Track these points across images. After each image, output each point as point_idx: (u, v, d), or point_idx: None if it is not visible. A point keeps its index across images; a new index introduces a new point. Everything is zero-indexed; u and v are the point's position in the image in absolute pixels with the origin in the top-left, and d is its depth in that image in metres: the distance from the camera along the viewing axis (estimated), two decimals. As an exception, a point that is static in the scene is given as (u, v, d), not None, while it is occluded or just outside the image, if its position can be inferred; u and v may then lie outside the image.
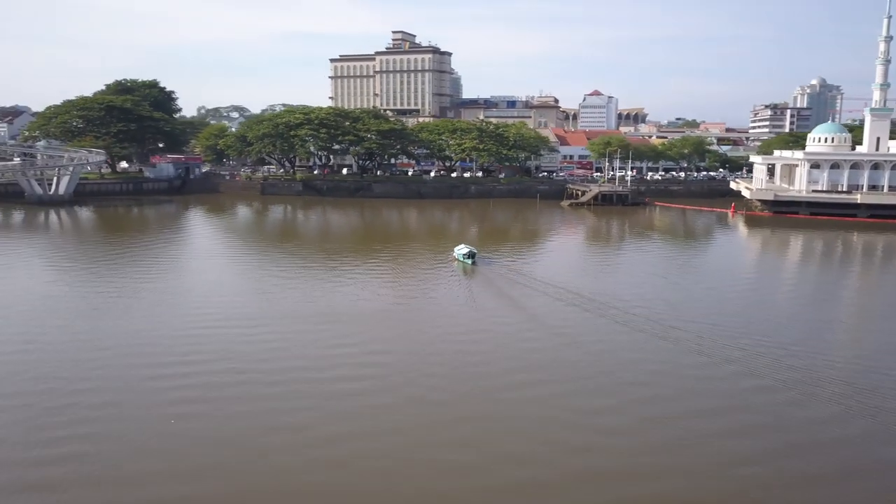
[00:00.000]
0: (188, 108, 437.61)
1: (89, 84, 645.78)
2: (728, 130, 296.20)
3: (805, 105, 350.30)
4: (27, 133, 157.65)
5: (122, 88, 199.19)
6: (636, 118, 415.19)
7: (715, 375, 40.08)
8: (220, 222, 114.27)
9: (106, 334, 46.42)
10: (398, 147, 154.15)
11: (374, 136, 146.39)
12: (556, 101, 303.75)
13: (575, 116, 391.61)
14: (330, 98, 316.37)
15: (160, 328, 47.90)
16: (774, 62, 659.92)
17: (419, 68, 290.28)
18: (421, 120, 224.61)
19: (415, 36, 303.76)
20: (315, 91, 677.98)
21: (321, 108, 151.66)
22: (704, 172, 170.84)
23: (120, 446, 30.24)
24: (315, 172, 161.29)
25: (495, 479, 28.16)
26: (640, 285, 64.61)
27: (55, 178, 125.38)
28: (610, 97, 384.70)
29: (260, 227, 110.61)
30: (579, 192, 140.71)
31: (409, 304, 56.84)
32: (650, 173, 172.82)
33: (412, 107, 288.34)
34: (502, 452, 30.24)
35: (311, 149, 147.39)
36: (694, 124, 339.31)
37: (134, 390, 36.47)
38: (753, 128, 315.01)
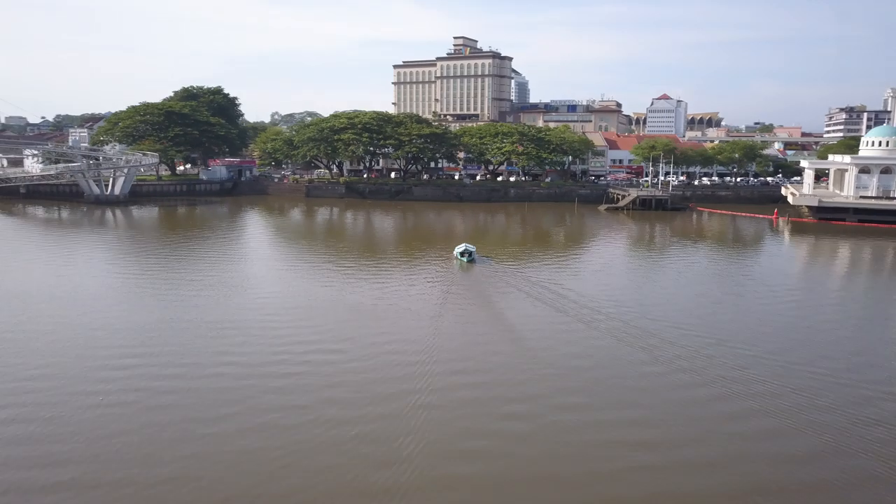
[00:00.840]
0: (264, 113, 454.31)
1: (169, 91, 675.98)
2: (804, 135, 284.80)
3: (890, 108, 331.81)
4: (96, 137, 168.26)
5: (188, 95, 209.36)
6: (709, 122, 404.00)
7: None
8: (253, 220, 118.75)
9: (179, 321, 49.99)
10: (442, 151, 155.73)
11: (415, 140, 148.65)
12: (619, 105, 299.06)
13: (643, 121, 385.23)
14: (393, 104, 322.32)
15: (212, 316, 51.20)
16: (865, 63, 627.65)
17: (479, 73, 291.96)
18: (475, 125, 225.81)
19: (476, 41, 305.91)
20: (382, 96, 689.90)
21: (365, 113, 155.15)
22: (757, 178, 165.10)
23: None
24: (364, 176, 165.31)
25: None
26: (651, 294, 61.82)
27: (111, 180, 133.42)
28: (679, 101, 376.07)
29: (286, 226, 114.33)
30: (619, 197, 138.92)
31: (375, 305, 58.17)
32: (704, 178, 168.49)
33: (471, 111, 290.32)
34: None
35: (360, 152, 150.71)
36: (768, 129, 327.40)
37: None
38: (828, 132, 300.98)
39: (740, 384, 38.32)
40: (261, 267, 74.23)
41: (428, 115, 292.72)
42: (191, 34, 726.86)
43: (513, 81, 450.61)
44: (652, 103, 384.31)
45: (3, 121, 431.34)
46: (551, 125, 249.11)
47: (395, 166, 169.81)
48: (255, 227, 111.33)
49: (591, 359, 42.58)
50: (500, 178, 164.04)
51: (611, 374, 39.98)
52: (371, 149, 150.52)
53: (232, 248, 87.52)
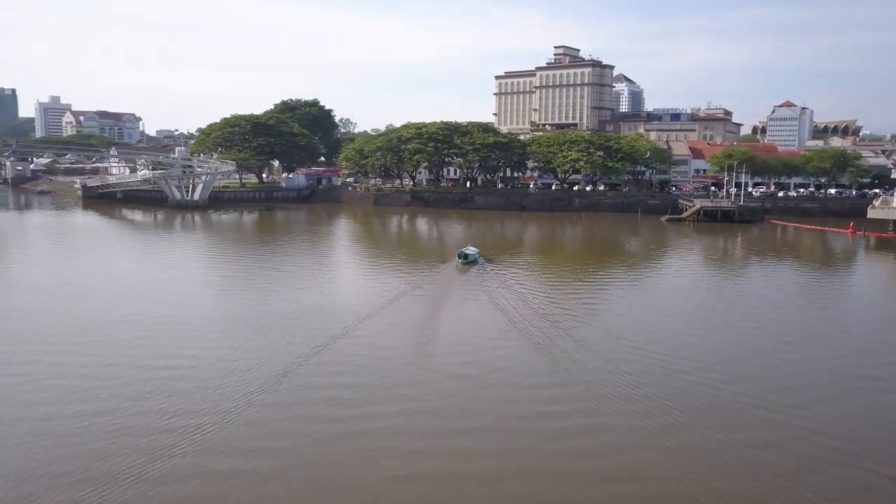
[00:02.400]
0: (380, 125, 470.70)
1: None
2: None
3: None
4: (193, 147, 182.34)
5: (286, 107, 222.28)
6: (844, 131, 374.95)
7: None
8: (302, 221, 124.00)
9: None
10: (510, 160, 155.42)
11: (479, 149, 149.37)
12: (727, 112, 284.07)
13: (764, 130, 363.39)
14: (494, 114, 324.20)
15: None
16: None
17: (578, 82, 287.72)
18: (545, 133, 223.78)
19: (578, 50, 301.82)
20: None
21: (434, 123, 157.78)
22: (849, 189, 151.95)
23: None
24: (442, 185, 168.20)
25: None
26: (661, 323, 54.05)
27: (191, 186, 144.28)
28: (804, 108, 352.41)
29: (335, 231, 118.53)
30: (687, 208, 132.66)
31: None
32: (800, 189, 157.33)
33: (570, 121, 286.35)
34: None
35: (424, 161, 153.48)
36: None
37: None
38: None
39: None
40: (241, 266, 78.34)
41: (526, 126, 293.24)
42: (313, 49, 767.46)
43: (626, 90, 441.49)
44: (773, 111, 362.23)
45: (153, 134, 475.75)
46: (651, 135, 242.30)
47: (474, 175, 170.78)
48: (295, 229, 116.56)
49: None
50: (576, 188, 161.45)
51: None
52: (437, 158, 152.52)
53: (272, 244, 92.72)
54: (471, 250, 79.79)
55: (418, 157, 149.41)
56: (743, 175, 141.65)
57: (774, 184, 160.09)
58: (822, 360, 44.33)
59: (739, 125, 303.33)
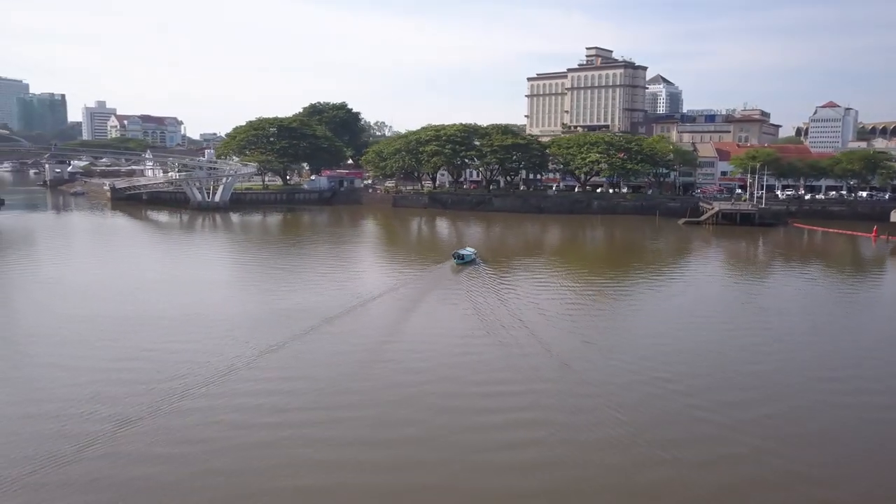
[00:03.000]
0: (413, 126, 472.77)
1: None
2: None
3: None
4: (220, 150, 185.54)
5: (314, 110, 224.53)
6: (894, 132, 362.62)
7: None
8: (319, 225, 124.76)
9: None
10: (529, 161, 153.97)
11: (497, 151, 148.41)
12: (764, 114, 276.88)
13: (806, 131, 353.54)
14: (525, 116, 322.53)
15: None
16: None
17: (610, 84, 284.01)
18: (611, 135, 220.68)
19: (611, 52, 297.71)
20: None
21: (452, 125, 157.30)
22: (878, 191, 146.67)
23: None
24: (464, 187, 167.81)
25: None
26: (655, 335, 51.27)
27: (212, 188, 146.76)
28: (848, 109, 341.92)
29: (340, 231, 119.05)
30: (707, 211, 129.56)
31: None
32: (831, 192, 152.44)
33: (602, 123, 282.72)
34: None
35: (441, 164, 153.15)
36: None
37: None
38: None
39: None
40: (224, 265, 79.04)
41: (557, 127, 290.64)
42: (352, 53, 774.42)
43: (663, 91, 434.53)
44: (815, 112, 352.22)
45: (197, 137, 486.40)
46: (684, 137, 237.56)
47: (496, 178, 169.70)
48: (305, 230, 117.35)
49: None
50: (598, 190, 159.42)
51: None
52: (455, 160, 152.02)
53: (275, 243, 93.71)
54: (467, 251, 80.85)
55: (436, 159, 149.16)
56: (764, 177, 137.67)
57: (805, 186, 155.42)
58: (795, 372, 42.64)
59: (777, 126, 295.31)
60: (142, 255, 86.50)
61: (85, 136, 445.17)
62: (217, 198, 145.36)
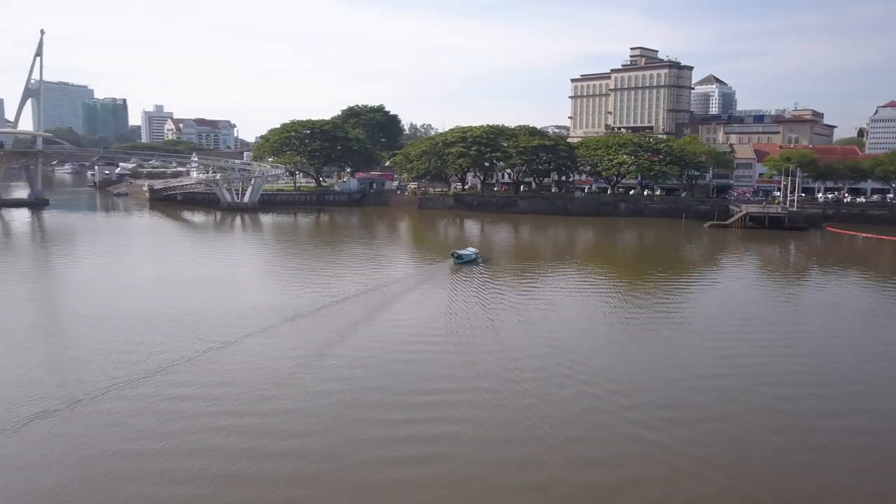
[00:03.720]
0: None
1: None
2: None
3: None
4: (256, 151, 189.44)
5: (351, 113, 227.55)
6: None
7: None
8: (338, 226, 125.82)
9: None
10: (558, 163, 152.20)
11: (523, 152, 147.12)
12: (816, 114, 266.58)
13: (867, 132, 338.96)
14: (569, 117, 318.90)
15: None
16: None
17: (654, 84, 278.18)
18: (654, 137, 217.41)
19: (656, 52, 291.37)
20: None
21: (479, 127, 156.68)
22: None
23: None
24: (495, 188, 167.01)
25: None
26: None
27: (241, 189, 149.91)
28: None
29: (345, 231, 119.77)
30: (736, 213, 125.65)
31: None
32: (874, 195, 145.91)
33: (645, 124, 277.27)
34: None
35: (466, 165, 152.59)
36: None
37: None
38: None
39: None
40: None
41: (601, 129, 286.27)
42: (398, 56, 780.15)
43: (716, 91, 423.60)
44: (876, 111, 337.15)
45: (252, 139, 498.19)
46: (731, 138, 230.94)
47: (527, 179, 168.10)
48: (323, 230, 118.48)
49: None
50: (631, 192, 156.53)
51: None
52: (480, 162, 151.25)
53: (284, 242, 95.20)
54: (467, 251, 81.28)
55: (461, 160, 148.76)
56: (798, 179, 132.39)
57: (848, 189, 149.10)
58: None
59: (832, 127, 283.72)
60: (150, 253, 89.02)
61: (144, 138, 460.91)
62: (246, 199, 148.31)
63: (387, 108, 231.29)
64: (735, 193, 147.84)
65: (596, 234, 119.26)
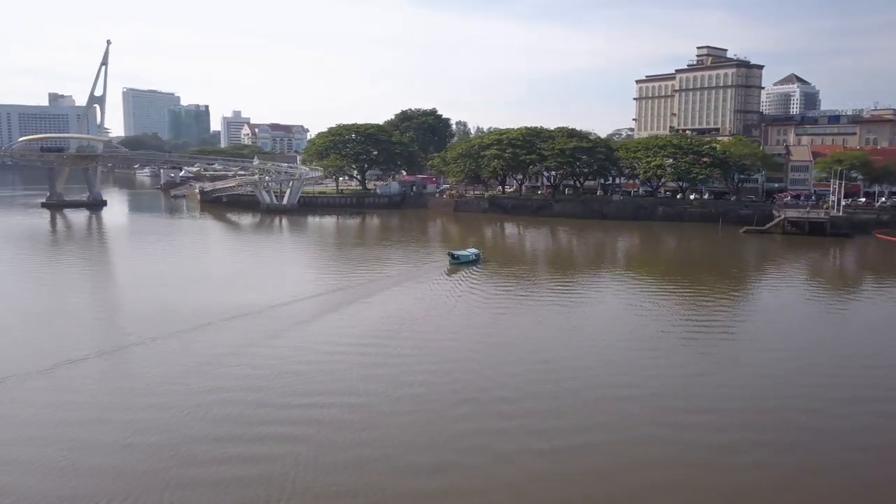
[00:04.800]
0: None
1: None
2: None
3: None
4: (304, 154, 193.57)
5: (404, 116, 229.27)
6: None
7: None
8: (365, 228, 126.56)
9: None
10: (595, 166, 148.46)
11: (558, 154, 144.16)
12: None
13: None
14: (634, 119, 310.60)
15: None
16: None
17: (721, 84, 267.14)
18: (721, 139, 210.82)
19: (725, 50, 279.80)
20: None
21: (516, 129, 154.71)
22: None
23: None
24: (539, 192, 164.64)
25: None
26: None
27: (280, 190, 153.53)
28: None
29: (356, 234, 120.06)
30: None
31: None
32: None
33: (711, 125, 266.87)
34: None
35: (499, 167, 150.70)
36: None
37: None
38: None
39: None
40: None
41: (665, 131, 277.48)
42: (461, 60, 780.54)
43: (797, 91, 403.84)
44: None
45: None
46: (802, 140, 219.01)
47: (569, 182, 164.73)
48: (346, 232, 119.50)
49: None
50: (679, 196, 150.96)
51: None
52: (515, 164, 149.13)
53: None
54: (466, 251, 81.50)
55: (495, 163, 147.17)
56: (841, 181, 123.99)
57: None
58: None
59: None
60: (167, 250, 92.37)
61: (223, 143, 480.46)
62: (285, 201, 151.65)
63: (439, 112, 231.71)
64: (778, 197, 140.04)
65: (620, 240, 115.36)
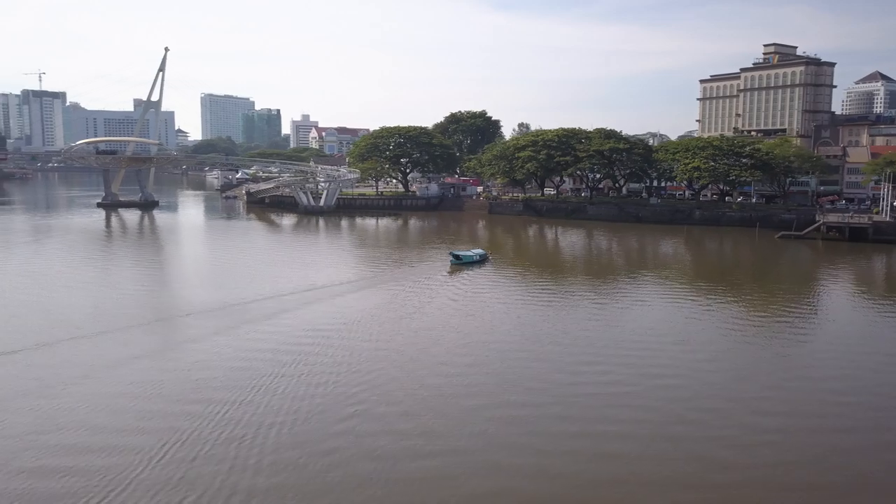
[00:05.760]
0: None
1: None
2: None
3: None
4: (349, 159, 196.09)
5: (453, 119, 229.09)
6: None
7: None
8: (388, 230, 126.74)
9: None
10: (631, 168, 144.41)
11: (593, 156, 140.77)
12: None
13: None
14: (697, 121, 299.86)
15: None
16: None
17: (788, 83, 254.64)
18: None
19: (795, 48, 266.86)
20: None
21: (550, 130, 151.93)
22: None
23: None
24: (583, 195, 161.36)
25: None
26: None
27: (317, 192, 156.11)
28: None
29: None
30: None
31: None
32: None
33: (777, 126, 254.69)
34: None
35: (532, 169, 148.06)
36: None
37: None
38: None
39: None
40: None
41: (729, 132, 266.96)
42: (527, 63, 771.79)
43: (881, 89, 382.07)
44: None
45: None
46: (877, 140, 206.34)
47: (611, 184, 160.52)
48: (367, 233, 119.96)
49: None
50: (727, 199, 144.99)
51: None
52: (549, 166, 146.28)
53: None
54: (469, 252, 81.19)
55: (529, 165, 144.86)
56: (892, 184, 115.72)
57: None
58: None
59: None
60: (187, 247, 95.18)
61: (292, 146, 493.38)
62: (322, 203, 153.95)
63: (489, 114, 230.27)
64: (823, 201, 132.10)
65: (640, 243, 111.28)
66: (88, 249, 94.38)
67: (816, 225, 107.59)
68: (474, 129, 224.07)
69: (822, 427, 34.38)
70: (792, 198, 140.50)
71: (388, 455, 29.61)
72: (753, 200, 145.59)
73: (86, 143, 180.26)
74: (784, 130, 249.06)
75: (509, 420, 33.84)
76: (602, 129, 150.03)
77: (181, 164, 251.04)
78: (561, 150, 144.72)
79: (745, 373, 42.71)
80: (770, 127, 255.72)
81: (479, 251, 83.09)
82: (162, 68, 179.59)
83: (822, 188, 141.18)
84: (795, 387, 40.29)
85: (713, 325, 55.29)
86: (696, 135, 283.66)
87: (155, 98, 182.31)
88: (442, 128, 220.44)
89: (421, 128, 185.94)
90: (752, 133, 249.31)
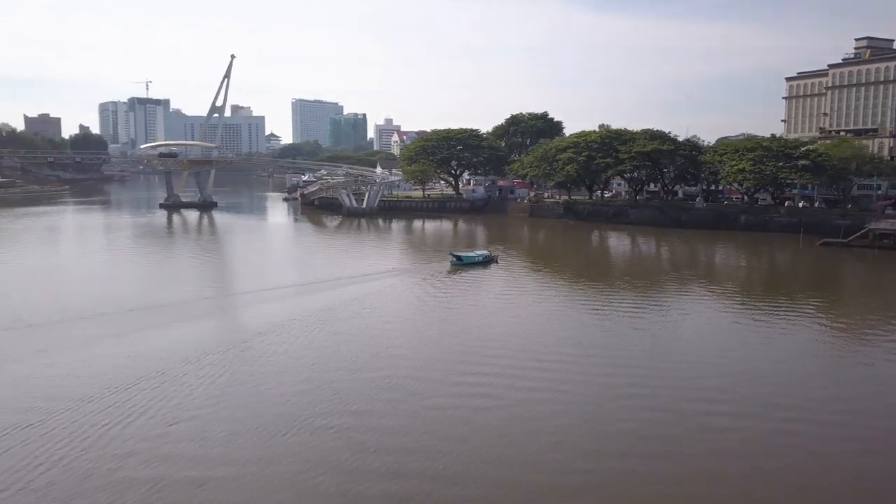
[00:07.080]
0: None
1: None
2: None
3: None
4: (401, 161, 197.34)
5: (513, 121, 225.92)
6: None
7: None
8: (411, 232, 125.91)
9: None
10: (676, 171, 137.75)
11: (635, 157, 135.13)
12: None
13: None
14: (782, 120, 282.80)
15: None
16: None
17: (882, 79, 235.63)
18: (879, 141, 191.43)
19: (891, 41, 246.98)
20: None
21: (592, 132, 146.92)
22: None
23: None
24: (638, 198, 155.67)
25: None
26: None
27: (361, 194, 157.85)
28: None
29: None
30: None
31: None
32: None
33: (869, 126, 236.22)
34: None
35: (573, 171, 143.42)
36: None
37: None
38: None
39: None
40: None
41: (815, 132, 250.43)
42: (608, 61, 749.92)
43: None
44: None
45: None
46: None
47: (692, 189, 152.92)
48: (388, 234, 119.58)
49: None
50: (787, 203, 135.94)
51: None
52: (590, 167, 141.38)
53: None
54: (470, 253, 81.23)
55: (569, 167, 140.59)
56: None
57: None
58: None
59: None
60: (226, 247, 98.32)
61: (375, 149, 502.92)
62: (365, 204, 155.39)
63: (550, 115, 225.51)
64: (879, 206, 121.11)
65: (664, 251, 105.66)
66: (142, 244, 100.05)
67: (863, 231, 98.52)
68: (534, 130, 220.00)
69: None
70: (858, 202, 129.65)
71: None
72: (816, 205, 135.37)
73: (149, 147, 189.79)
74: (875, 130, 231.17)
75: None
76: (648, 129, 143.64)
77: (259, 167, 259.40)
78: (603, 151, 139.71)
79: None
80: (860, 126, 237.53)
81: (483, 252, 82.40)
82: (227, 75, 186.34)
83: (892, 192, 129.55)
84: None
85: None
86: (779, 135, 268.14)
87: (219, 104, 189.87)
88: (503, 130, 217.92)
89: (469, 130, 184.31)
90: (841, 133, 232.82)
